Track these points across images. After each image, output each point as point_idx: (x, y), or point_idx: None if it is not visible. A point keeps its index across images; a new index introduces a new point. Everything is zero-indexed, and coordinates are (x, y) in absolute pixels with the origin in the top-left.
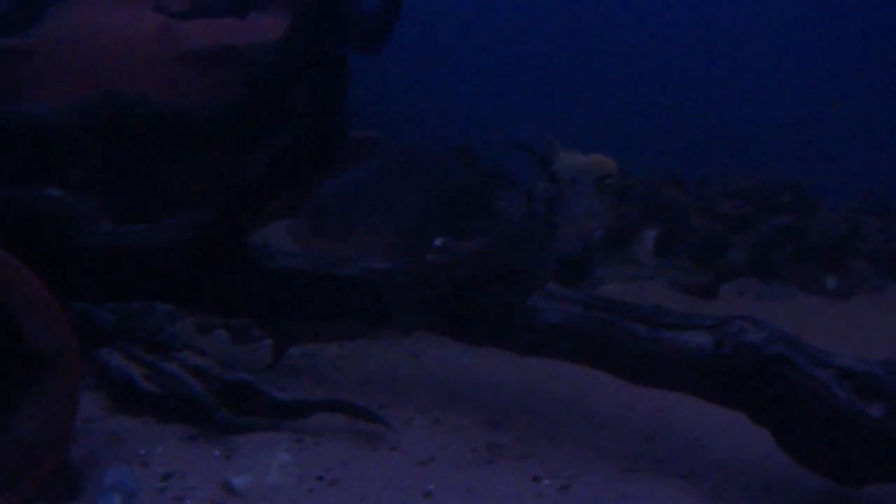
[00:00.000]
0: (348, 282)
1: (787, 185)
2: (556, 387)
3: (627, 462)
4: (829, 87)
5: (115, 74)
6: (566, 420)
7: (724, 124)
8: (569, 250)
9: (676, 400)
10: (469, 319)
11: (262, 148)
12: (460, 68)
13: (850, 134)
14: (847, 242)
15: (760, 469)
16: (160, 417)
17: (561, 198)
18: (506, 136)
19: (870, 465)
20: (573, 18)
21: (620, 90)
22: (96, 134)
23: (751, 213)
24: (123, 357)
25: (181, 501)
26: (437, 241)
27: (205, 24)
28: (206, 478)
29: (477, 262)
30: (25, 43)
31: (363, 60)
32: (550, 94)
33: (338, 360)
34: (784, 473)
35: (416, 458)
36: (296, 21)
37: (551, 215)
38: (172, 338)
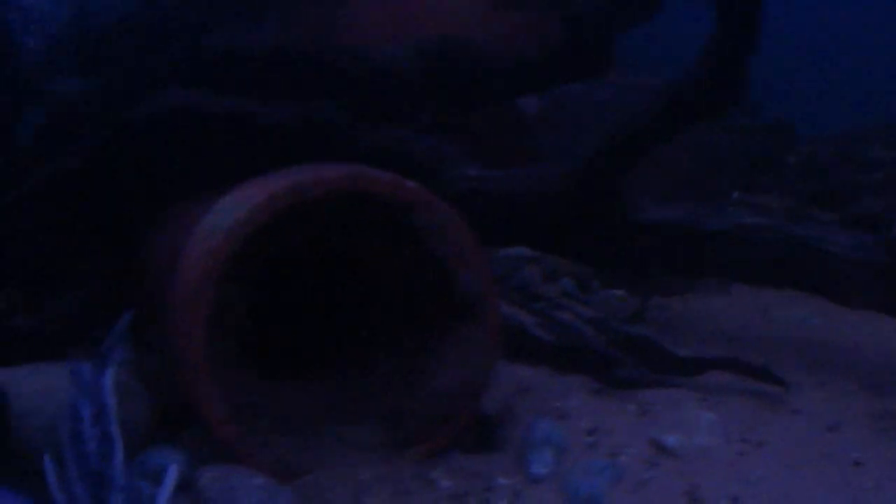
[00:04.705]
0: (717, 236)
1: None
2: None
3: None
4: None
5: (429, 19)
6: None
7: None
8: None
9: None
10: None
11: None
12: None
13: None
14: None
15: None
16: (556, 368)
17: None
18: None
19: None
20: None
21: None
22: (435, 78)
23: None
24: (510, 304)
25: (615, 458)
26: (735, 195)
27: None
28: (633, 435)
29: None
30: None
31: None
32: None
33: (686, 314)
34: None
35: (822, 424)
36: None
37: None
38: (526, 284)
